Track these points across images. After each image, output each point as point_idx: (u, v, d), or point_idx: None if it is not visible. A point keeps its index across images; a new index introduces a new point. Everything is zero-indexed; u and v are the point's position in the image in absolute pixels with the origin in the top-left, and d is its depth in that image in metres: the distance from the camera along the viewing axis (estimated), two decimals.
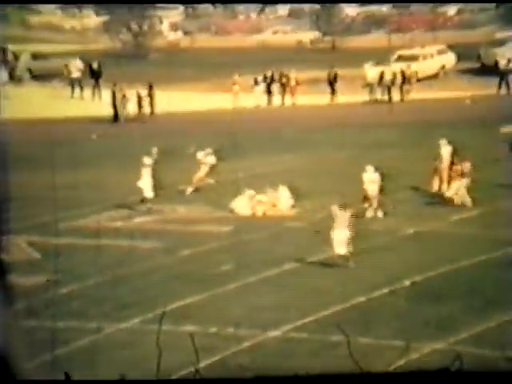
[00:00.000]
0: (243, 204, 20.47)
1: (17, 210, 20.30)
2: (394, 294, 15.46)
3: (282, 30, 46.38)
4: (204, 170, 22.18)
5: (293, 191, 20.73)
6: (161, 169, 21.70)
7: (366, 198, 19.71)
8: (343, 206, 16.91)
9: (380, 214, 19.78)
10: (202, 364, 12.83)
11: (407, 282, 15.86)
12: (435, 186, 20.99)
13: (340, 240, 16.74)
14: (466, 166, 20.08)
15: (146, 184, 21.13)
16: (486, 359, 12.59)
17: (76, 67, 37.72)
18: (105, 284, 16.43)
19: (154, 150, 21.82)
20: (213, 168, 22.25)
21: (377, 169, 19.75)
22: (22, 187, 21.35)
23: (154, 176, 21.25)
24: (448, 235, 18.35)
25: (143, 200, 21.08)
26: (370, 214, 19.72)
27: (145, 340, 13.45)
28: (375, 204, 19.77)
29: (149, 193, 21.12)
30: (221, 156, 22.59)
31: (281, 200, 20.60)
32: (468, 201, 20.04)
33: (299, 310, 14.85)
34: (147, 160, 21.36)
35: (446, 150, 21.09)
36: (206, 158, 22.20)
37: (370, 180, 19.71)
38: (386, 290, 15.58)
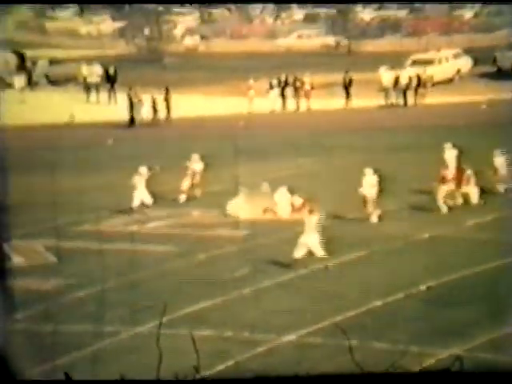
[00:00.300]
0: (239, 206, 20.41)
1: (33, 213, 20.44)
2: (409, 298, 15.40)
3: (306, 35, 46.29)
4: (194, 176, 21.89)
5: (307, 195, 20.71)
6: (173, 173, 21.78)
7: (365, 202, 19.77)
8: (311, 211, 17.18)
9: (375, 218, 19.79)
10: (218, 368, 12.86)
11: (423, 287, 15.80)
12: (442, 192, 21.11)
13: (307, 244, 16.91)
14: (450, 172, 20.22)
15: (141, 193, 21.18)
16: (501, 365, 12.50)
17: (95, 72, 37.96)
18: (119, 288, 16.50)
19: (158, 168, 21.75)
20: (202, 174, 21.90)
21: (376, 171, 19.89)
22: (37, 191, 21.48)
23: (149, 186, 21.29)
24: (463, 240, 18.27)
25: (146, 206, 21.16)
26: (373, 217, 19.74)
27: (160, 344, 13.44)
28: (374, 207, 19.79)
29: (137, 201, 21.14)
30: (234, 160, 22.59)
31: (280, 203, 20.57)
32: (443, 207, 20.00)
33: (314, 315, 14.83)
34: (143, 170, 21.40)
35: (450, 154, 21.23)
36: (194, 164, 21.99)
37: (369, 183, 19.79)
38: (401, 295, 15.53)
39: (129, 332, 14.59)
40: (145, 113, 33.57)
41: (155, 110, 33.64)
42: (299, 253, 17.02)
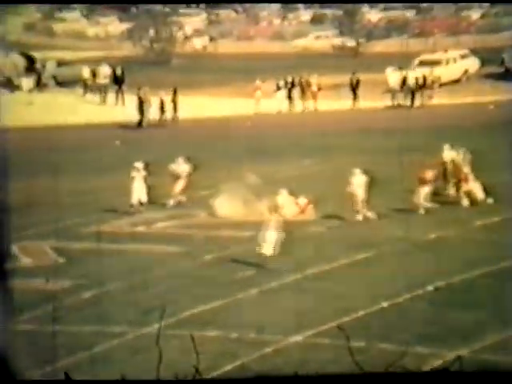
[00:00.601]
0: (223, 204, 20.35)
1: (41, 215, 20.50)
2: (416, 299, 15.39)
3: (323, 36, 46.19)
4: (182, 180, 21.57)
5: (313, 196, 20.73)
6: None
7: (354, 201, 19.83)
8: (273, 210, 17.55)
9: (373, 216, 19.83)
10: (224, 369, 12.89)
11: (430, 288, 15.79)
12: (450, 191, 21.22)
13: (269, 242, 17.18)
14: (429, 173, 20.21)
15: (138, 190, 21.19)
16: (506, 366, 12.48)
17: (103, 73, 38.06)
18: (127, 289, 16.54)
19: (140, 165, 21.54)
20: (189, 176, 21.58)
21: (366, 172, 19.97)
22: (44, 192, 21.55)
23: (146, 182, 21.25)
24: (469, 241, 18.25)
25: (142, 204, 21.18)
26: (359, 217, 19.82)
27: (166, 345, 13.49)
28: (364, 207, 19.79)
29: (136, 199, 21.13)
30: (242, 161, 22.61)
31: (285, 204, 20.58)
32: (429, 207, 20.01)
33: (321, 316, 14.84)
34: (139, 165, 21.36)
35: (449, 155, 21.29)
36: (180, 167, 21.72)
37: (357, 183, 19.88)
38: (408, 296, 15.51)
39: (135, 333, 14.63)
40: (152, 114, 33.64)
41: (163, 111, 33.69)
42: (269, 251, 17.29)
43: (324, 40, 45.85)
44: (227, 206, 20.28)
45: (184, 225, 20.36)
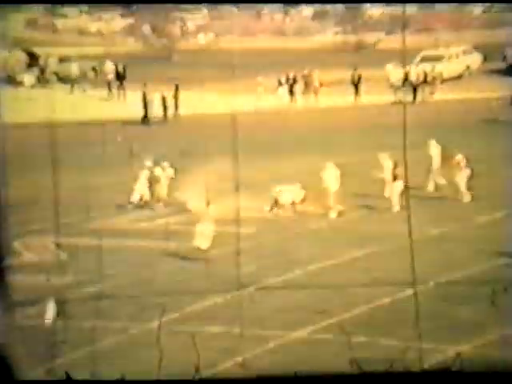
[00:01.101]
0: (195, 198, 20.27)
1: (41, 211, 20.52)
2: (418, 295, 15.39)
3: (341, 32, 45.98)
4: (165, 184, 21.33)
5: (313, 191, 20.75)
6: (181, 171, 21.82)
7: (325, 196, 19.82)
8: (208, 203, 17.64)
9: (334, 213, 19.81)
10: (227, 364, 12.91)
11: (431, 284, 15.80)
12: (430, 187, 21.06)
13: (202, 233, 17.28)
14: (399, 169, 20.19)
15: (141, 188, 21.14)
16: (509, 363, 12.49)
17: (107, 69, 38.11)
18: (128, 285, 16.57)
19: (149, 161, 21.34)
20: (172, 180, 21.33)
21: (338, 166, 19.84)
22: (46, 188, 21.57)
23: (151, 181, 21.17)
24: (473, 236, 18.25)
25: (145, 202, 21.14)
26: (334, 213, 19.82)
27: (168, 341, 13.50)
28: (335, 201, 19.78)
29: (137, 197, 21.09)
30: (244, 157, 22.60)
31: (286, 199, 20.60)
32: (395, 205, 19.98)
33: (323, 311, 14.85)
34: (148, 163, 21.30)
35: (435, 151, 21.23)
36: (164, 171, 21.47)
37: (330, 177, 19.87)
38: (410, 292, 15.52)
39: (137, 329, 14.65)
40: (154, 110, 33.64)
41: (165, 107, 33.69)
42: (203, 244, 17.27)
43: (341, 36, 45.69)
44: (194, 198, 20.13)
45: (185, 221, 20.36)
